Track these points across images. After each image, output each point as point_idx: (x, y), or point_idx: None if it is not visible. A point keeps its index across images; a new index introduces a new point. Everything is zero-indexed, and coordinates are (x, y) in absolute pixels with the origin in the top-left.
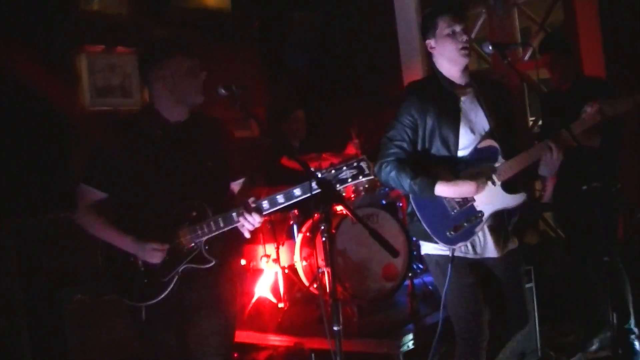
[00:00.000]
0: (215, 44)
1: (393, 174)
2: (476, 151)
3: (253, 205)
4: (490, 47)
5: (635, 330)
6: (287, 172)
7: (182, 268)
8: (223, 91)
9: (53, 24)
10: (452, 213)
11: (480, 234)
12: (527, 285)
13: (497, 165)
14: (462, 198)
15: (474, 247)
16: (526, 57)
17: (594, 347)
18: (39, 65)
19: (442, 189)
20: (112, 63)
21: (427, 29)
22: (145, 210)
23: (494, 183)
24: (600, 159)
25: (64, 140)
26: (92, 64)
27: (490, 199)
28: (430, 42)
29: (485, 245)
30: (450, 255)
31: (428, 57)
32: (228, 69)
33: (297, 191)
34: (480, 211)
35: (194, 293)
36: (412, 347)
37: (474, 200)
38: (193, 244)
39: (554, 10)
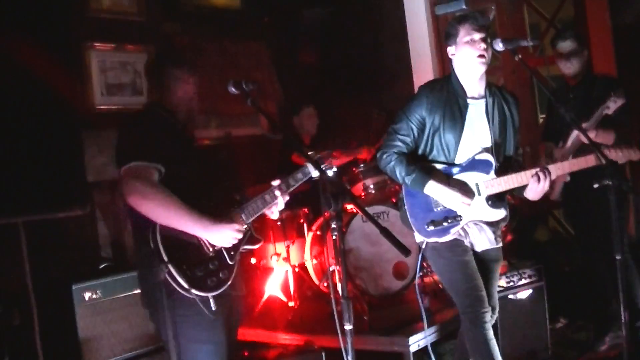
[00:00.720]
0: (225, 39)
1: (391, 164)
2: (472, 161)
3: (279, 183)
4: (501, 44)
5: None
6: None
7: (241, 249)
8: (233, 88)
9: (63, 22)
10: (435, 210)
11: (467, 228)
12: (537, 284)
13: (487, 178)
14: None
15: (463, 238)
16: (536, 54)
17: (604, 346)
18: (49, 63)
19: (431, 190)
20: (123, 61)
21: (449, 36)
22: (194, 196)
23: (479, 194)
24: None
25: (75, 138)
26: (102, 61)
27: (472, 207)
28: (451, 49)
29: (471, 239)
30: (423, 246)
31: (438, 54)
32: (238, 64)
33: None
34: (460, 215)
35: (237, 277)
36: (423, 345)
37: None
38: (246, 225)
39: (564, 6)
